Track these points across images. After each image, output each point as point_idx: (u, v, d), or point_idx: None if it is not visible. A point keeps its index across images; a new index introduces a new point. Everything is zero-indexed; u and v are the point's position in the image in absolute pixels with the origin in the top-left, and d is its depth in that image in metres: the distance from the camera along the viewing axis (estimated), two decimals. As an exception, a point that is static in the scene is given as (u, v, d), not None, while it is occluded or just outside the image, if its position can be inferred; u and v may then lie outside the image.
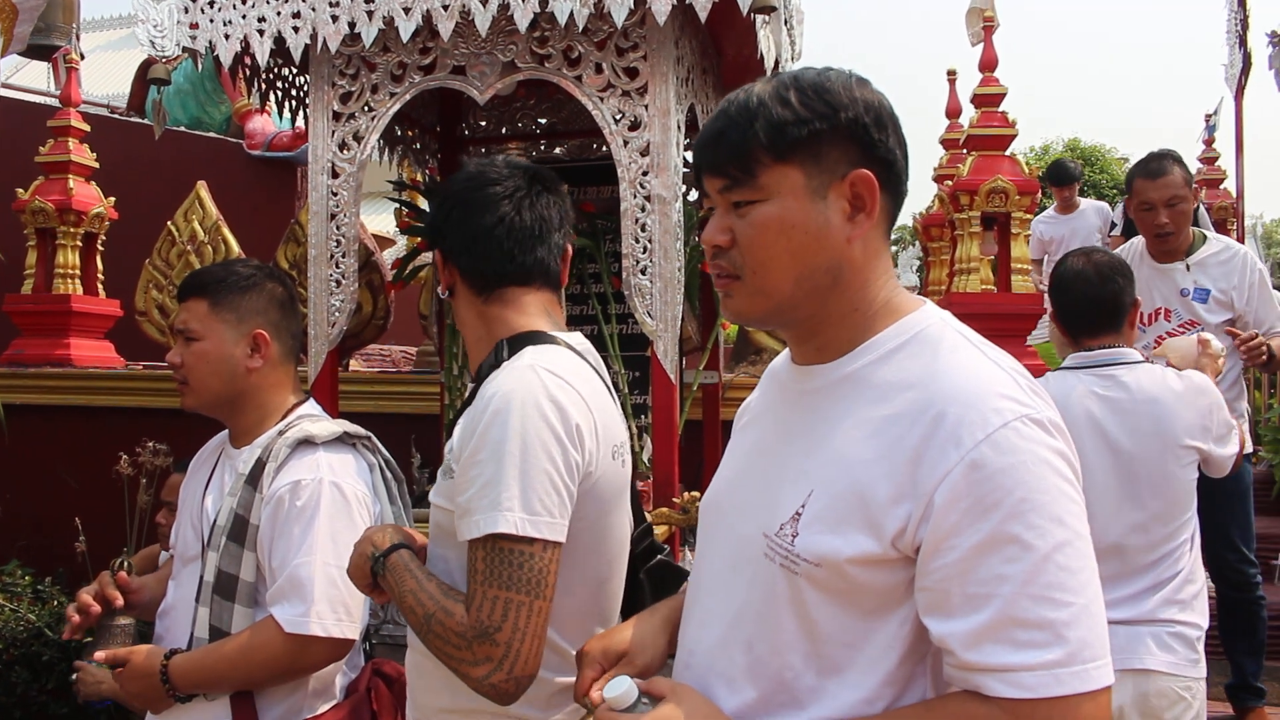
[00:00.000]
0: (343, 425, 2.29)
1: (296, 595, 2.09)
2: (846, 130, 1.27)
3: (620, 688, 1.28)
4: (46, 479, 4.73)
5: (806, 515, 1.24)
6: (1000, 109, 4.44)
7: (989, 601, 1.12)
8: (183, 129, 6.46)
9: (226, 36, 3.01)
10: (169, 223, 4.85)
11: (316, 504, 2.13)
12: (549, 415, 1.65)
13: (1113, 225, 7.37)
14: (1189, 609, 2.78)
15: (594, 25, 2.95)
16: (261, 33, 2.99)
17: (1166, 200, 3.84)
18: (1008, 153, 4.40)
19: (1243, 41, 8.13)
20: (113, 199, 5.12)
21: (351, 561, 1.77)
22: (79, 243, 5.01)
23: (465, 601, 1.61)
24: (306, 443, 2.21)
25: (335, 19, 2.94)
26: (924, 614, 1.18)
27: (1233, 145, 8.31)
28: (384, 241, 6.85)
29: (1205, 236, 4.11)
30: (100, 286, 5.17)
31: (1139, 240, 4.10)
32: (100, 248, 5.17)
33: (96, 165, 5.09)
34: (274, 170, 6.12)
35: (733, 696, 1.29)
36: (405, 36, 2.86)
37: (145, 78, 6.79)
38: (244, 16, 3.01)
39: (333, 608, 2.09)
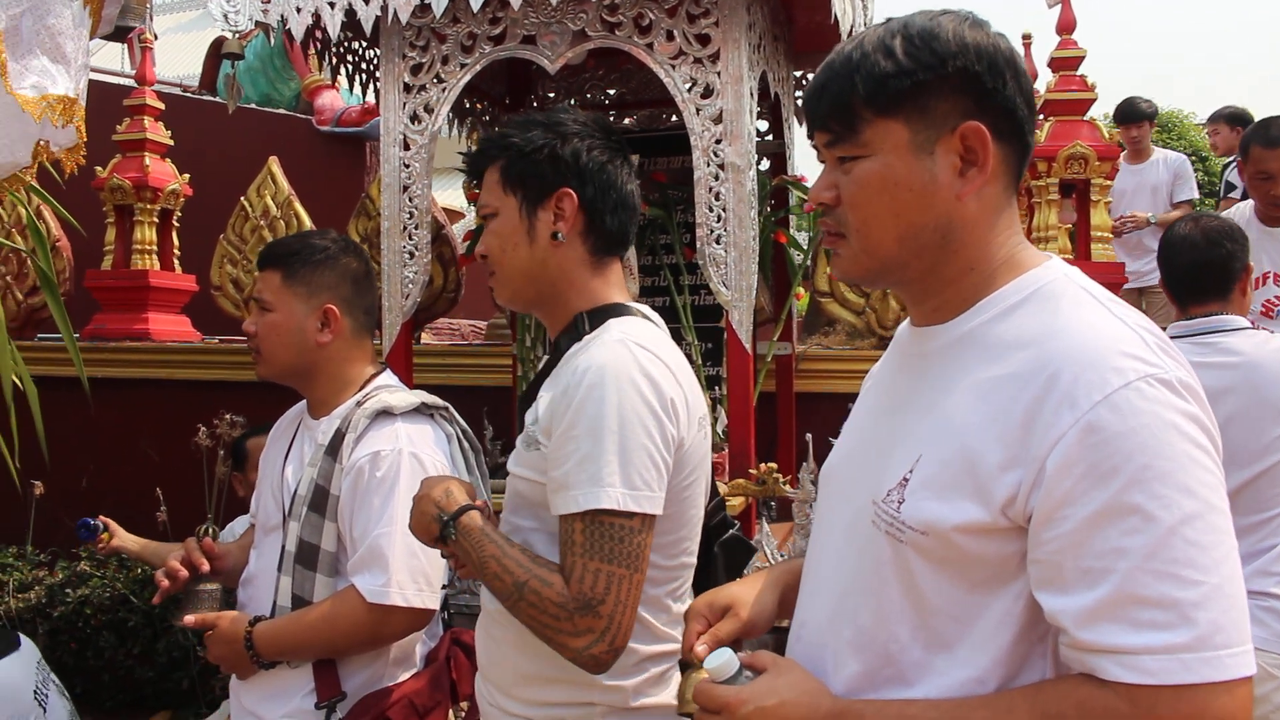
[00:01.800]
0: (420, 396, 2.30)
1: (377, 565, 2.11)
2: (956, 80, 1.20)
3: (721, 658, 1.26)
4: (127, 451, 4.83)
5: (914, 481, 1.19)
6: (1079, 72, 4.31)
7: (1106, 576, 1.04)
8: (253, 106, 6.52)
9: (298, 10, 3.02)
10: (242, 198, 4.91)
11: (396, 474, 2.15)
12: (644, 389, 1.65)
13: (1229, 187, 6.91)
14: None
15: (665, -8, 2.91)
16: (332, 5, 2.99)
17: None
18: (1086, 117, 4.28)
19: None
20: (187, 176, 5.18)
21: (414, 517, 1.74)
22: (155, 219, 5.08)
23: (561, 572, 1.62)
24: (385, 414, 2.22)
25: (406, -11, 2.94)
26: (1036, 589, 1.11)
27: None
28: (453, 215, 6.88)
29: None
30: (176, 262, 5.24)
31: (1247, 203, 3.99)
32: (176, 224, 5.24)
33: (171, 143, 5.15)
34: (343, 145, 6.15)
35: (839, 670, 1.26)
36: (475, 6, 2.85)
37: (217, 55, 6.89)
38: (316, -10, 3.02)
39: (413, 578, 2.11)
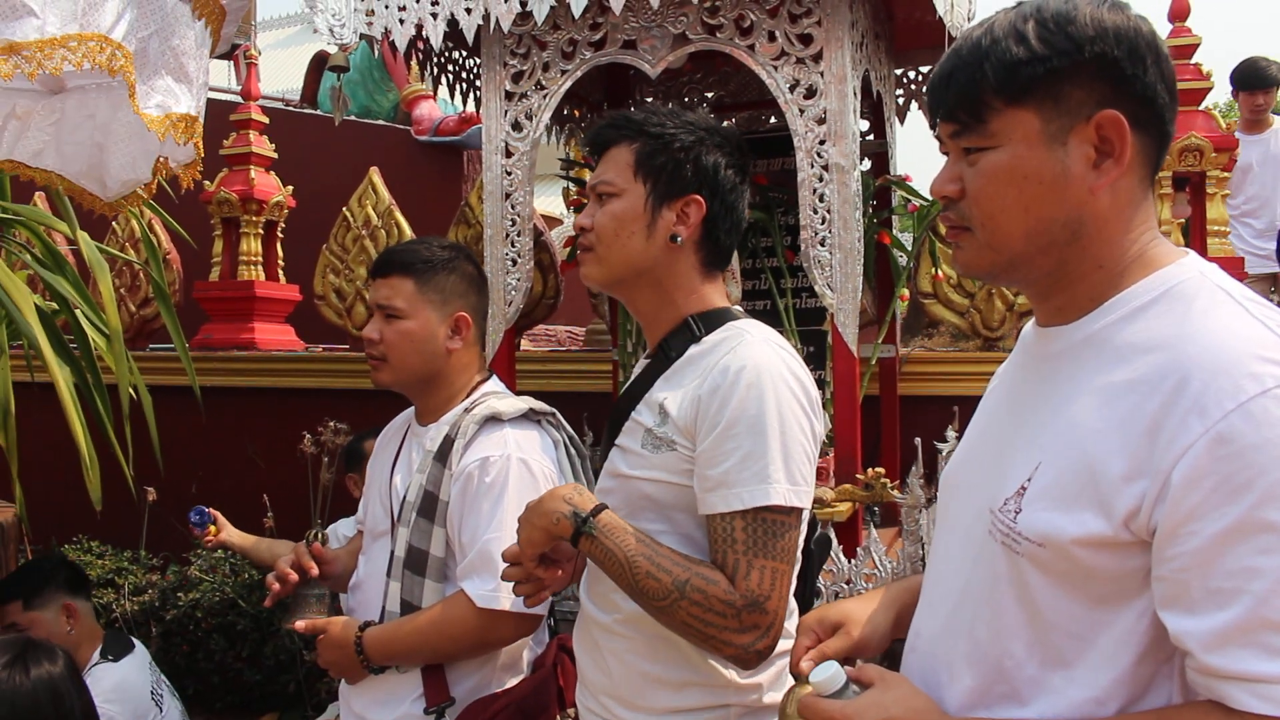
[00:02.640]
0: (528, 402, 2.30)
1: (487, 570, 2.10)
2: (1093, 66, 1.13)
3: (827, 672, 1.23)
4: (234, 457, 4.94)
5: (1032, 490, 1.14)
6: (1193, 60, 4.17)
7: (1237, 598, 0.98)
8: (353, 117, 6.65)
9: (401, 21, 3.05)
10: (344, 208, 4.99)
11: (505, 480, 2.15)
12: (794, 388, 1.68)
13: None
14: None
15: (767, -9, 2.88)
16: (435, 16, 3.02)
17: None
18: (1201, 107, 4.13)
19: None
20: (290, 188, 5.29)
21: (535, 517, 1.70)
22: (260, 230, 5.20)
23: (721, 570, 1.62)
24: (494, 419, 2.22)
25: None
26: (1161, 608, 1.05)
27: None
28: (551, 221, 6.91)
29: None
30: (280, 272, 5.36)
31: None
32: (280, 235, 5.35)
33: (275, 156, 5.27)
34: (441, 155, 6.23)
35: (953, 684, 1.21)
36: (577, 12, 2.85)
37: (319, 69, 7.04)
38: (418, 1, 3.04)
39: None
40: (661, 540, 1.70)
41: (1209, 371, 1.03)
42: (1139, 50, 1.14)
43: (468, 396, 2.33)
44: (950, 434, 3.57)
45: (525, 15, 2.99)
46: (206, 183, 5.10)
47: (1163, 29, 4.18)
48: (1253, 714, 0.97)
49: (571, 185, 4.72)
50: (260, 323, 5.12)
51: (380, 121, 6.65)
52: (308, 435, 4.29)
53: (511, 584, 2.06)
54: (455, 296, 2.33)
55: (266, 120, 5.30)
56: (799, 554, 1.70)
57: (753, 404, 1.63)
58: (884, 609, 1.44)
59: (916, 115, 4.05)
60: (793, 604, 1.77)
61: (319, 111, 6.85)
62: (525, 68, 3.13)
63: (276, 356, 4.99)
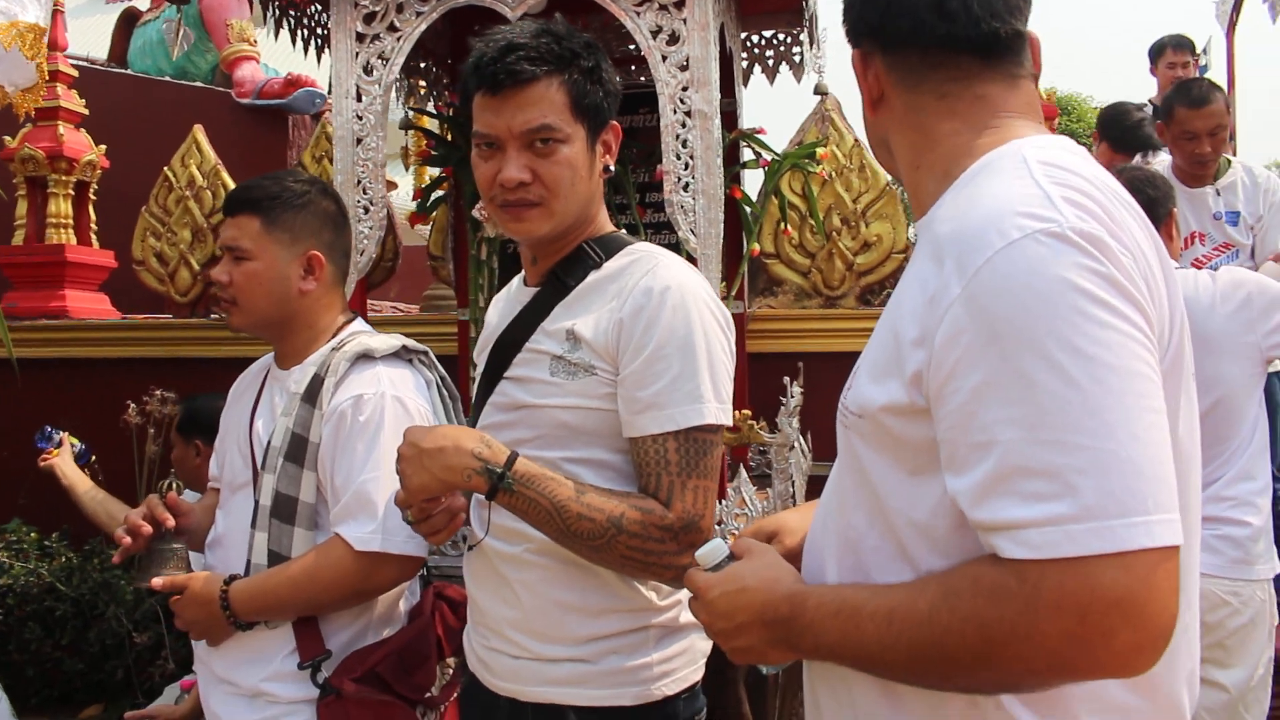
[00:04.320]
0: (400, 339, 2.21)
1: (364, 513, 2.01)
2: None
3: (710, 546, 1.28)
4: (46, 433, 4.60)
5: (858, 368, 1.21)
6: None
7: (992, 449, 0.98)
8: (168, 79, 6.28)
9: (244, -48, 2.88)
10: (165, 168, 4.72)
11: (380, 418, 2.05)
12: (714, 309, 1.69)
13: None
14: (1241, 506, 2.75)
15: (630, -64, 2.85)
16: (282, -53, 2.86)
17: (1211, 129, 3.82)
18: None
19: (1233, -22, 8.07)
20: (103, 147, 4.96)
21: (440, 468, 1.60)
22: (71, 192, 4.85)
23: (654, 494, 1.61)
24: (366, 357, 2.13)
25: (362, -70, 2.82)
26: (944, 472, 1.05)
27: (1224, 84, 8.26)
28: (389, 185, 6.72)
29: (1230, 161, 4.08)
30: (93, 237, 5.01)
31: (1163, 163, 4.06)
32: (92, 197, 5.01)
33: (86, 112, 4.92)
34: (264, 118, 5.96)
35: (827, 568, 1.25)
36: (439, -54, 2.75)
37: (127, 27, 6.63)
38: (263, -70, 2.88)
39: (402, 525, 2.00)
40: (581, 468, 1.67)
41: (969, 233, 1.06)
42: None
43: (334, 336, 2.22)
44: (795, 389, 3.63)
45: (378, -49, 2.87)
46: (7, 138, 4.72)
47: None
48: (1012, 559, 0.97)
49: (410, 144, 4.60)
50: (72, 290, 4.78)
51: (199, 84, 6.30)
52: (131, 405, 4.05)
53: (391, 525, 2.00)
54: (307, 234, 2.20)
55: (76, 73, 4.94)
56: (721, 467, 1.74)
57: (680, 324, 1.62)
58: (809, 512, 1.46)
59: (759, 80, 4.11)
60: None
61: (130, 71, 6.44)
62: (378, 8, 3.00)
63: (92, 324, 4.67)
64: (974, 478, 1.00)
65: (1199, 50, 8.60)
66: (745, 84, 4.09)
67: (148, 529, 2.16)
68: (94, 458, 3.44)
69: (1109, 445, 0.95)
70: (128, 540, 2.15)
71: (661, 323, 1.62)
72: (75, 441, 3.50)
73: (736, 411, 2.74)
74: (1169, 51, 5.81)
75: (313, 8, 3.52)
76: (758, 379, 3.76)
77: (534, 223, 1.71)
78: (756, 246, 3.66)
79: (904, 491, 1.13)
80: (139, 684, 3.97)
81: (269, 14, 3.33)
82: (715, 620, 1.24)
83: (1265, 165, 6.35)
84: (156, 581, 2.12)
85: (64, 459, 3.33)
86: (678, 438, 1.60)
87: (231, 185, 4.63)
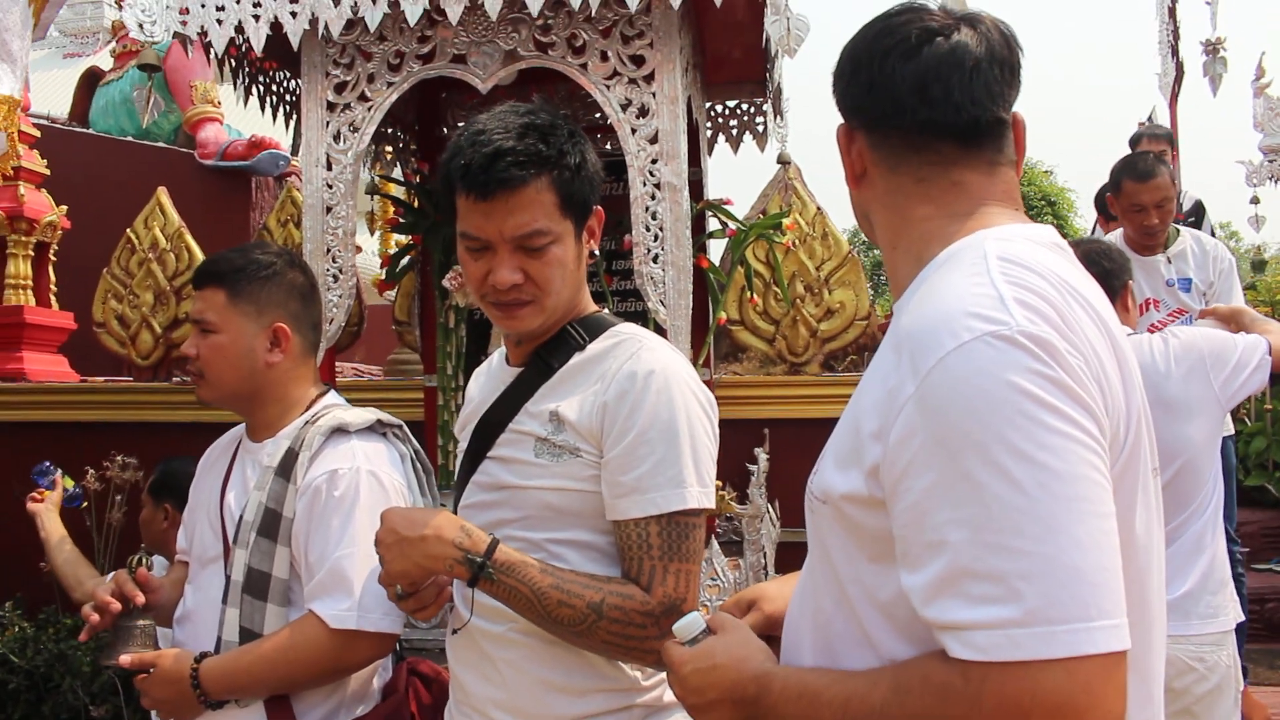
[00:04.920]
0: (375, 413, 2.20)
1: (340, 589, 1.99)
2: None
3: (686, 620, 1.29)
4: (2, 497, 4.52)
5: (825, 453, 1.22)
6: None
7: (943, 549, 0.99)
8: (130, 139, 6.26)
9: (219, 22, 2.90)
10: (128, 230, 4.69)
11: (355, 494, 2.04)
12: (698, 393, 1.70)
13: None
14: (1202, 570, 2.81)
15: (601, 13, 2.91)
16: (257, 18, 2.89)
17: (1157, 202, 3.94)
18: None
19: (1175, 51, 8.35)
20: (64, 208, 4.93)
21: (422, 556, 1.62)
22: (31, 252, 4.81)
23: (632, 578, 1.62)
24: (340, 431, 2.12)
25: (337, 3, 2.86)
26: (899, 567, 1.06)
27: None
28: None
29: (1179, 230, 4.20)
30: (53, 299, 4.96)
31: (1117, 233, 4.17)
32: (52, 258, 4.97)
33: (48, 172, 4.90)
34: (227, 180, 5.95)
35: (802, 646, 1.26)
36: (412, 20, 2.79)
37: (89, 86, 6.61)
38: (238, 1, 2.91)
39: (378, 601, 1.99)
40: (566, 549, 1.67)
41: (923, 331, 1.07)
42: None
43: (308, 409, 2.21)
44: (761, 455, 3.66)
45: (352, 23, 2.91)
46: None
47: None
48: (959, 660, 0.98)
49: (375, 208, 4.61)
50: (30, 351, 4.72)
51: (160, 144, 6.29)
52: (91, 471, 3.99)
53: (367, 602, 1.98)
54: (273, 306, 2.20)
55: (38, 133, 4.92)
56: (703, 551, 1.74)
57: (664, 409, 1.63)
58: (789, 582, 1.47)
59: (722, 148, 4.18)
60: None
61: (91, 130, 6.41)
62: (349, 78, 3.03)
63: (51, 388, 4.61)
64: (925, 576, 1.01)
65: (1145, 119, 8.87)
66: (710, 153, 4.16)
67: (116, 606, 2.12)
68: (85, 504, 3.37)
69: (1051, 550, 0.96)
70: (95, 618, 2.11)
71: (645, 407, 1.63)
72: (70, 484, 3.45)
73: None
74: (1145, 140, 6.01)
75: (281, 74, 3.55)
76: (724, 445, 3.72)
77: (526, 320, 1.72)
78: (724, 315, 3.70)
79: (866, 577, 1.14)
80: (94, 759, 3.87)
81: (238, 81, 3.34)
82: (687, 695, 1.27)
83: (1216, 225, 6.51)
84: (125, 659, 2.08)
85: (49, 506, 3.28)
86: (660, 522, 1.61)
87: (195, 248, 4.62)
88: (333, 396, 2.28)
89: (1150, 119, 8.92)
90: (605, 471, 1.65)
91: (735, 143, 4.18)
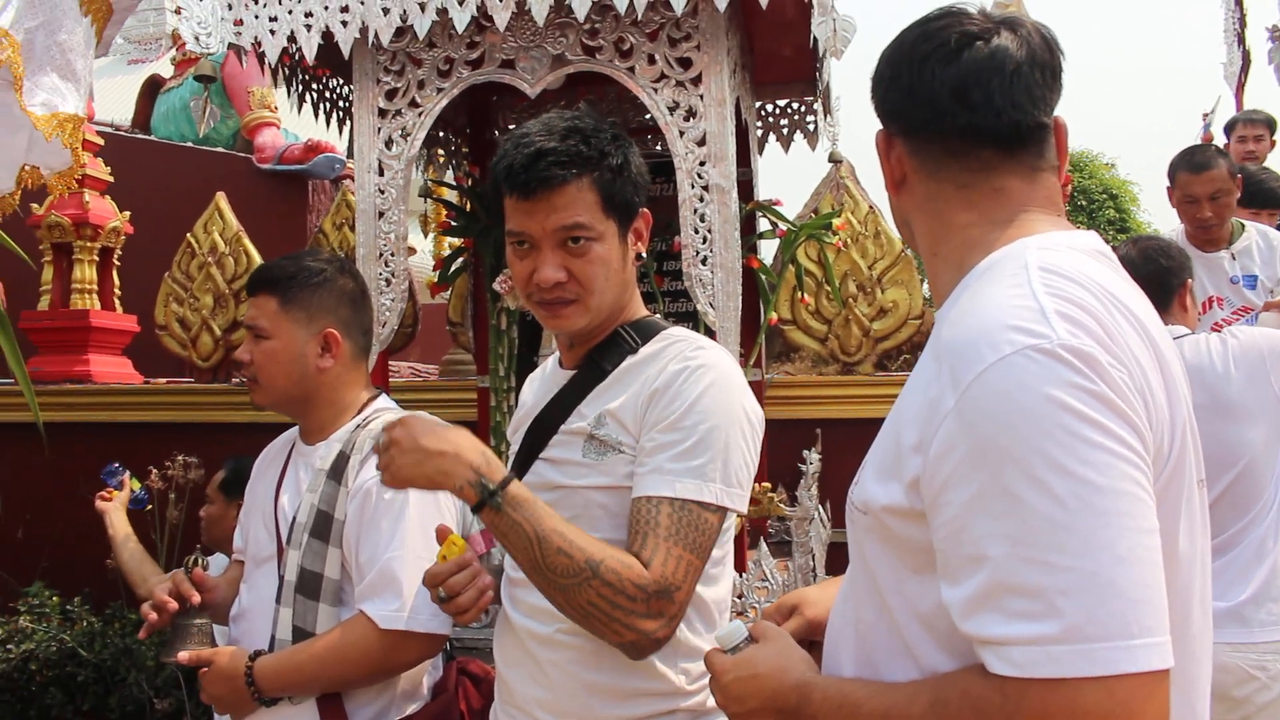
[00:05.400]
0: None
1: (390, 590, 2.03)
2: None
3: (728, 628, 1.32)
4: (69, 496, 4.63)
5: (866, 463, 1.22)
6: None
7: (983, 564, 0.99)
8: (190, 144, 6.39)
9: (272, 32, 2.95)
10: (189, 235, 4.79)
11: (405, 496, 2.08)
12: (746, 400, 1.71)
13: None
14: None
15: (648, 16, 2.91)
16: (309, 28, 2.94)
17: (1210, 194, 3.86)
18: None
19: (1241, 39, 8.14)
20: (128, 214, 5.04)
21: (431, 473, 1.59)
22: (96, 257, 4.93)
23: (636, 552, 1.59)
24: (390, 435, 2.15)
25: (386, 12, 2.89)
26: (940, 580, 1.06)
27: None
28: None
29: (1244, 225, 4.12)
30: (117, 302, 5.08)
31: (1178, 230, 4.10)
32: (116, 263, 5.09)
33: (111, 179, 5.01)
34: (285, 183, 6.05)
35: (842, 655, 1.27)
36: (460, 27, 2.82)
37: (151, 94, 6.75)
38: (290, 11, 2.96)
39: (427, 602, 2.02)
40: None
41: (963, 343, 1.07)
42: None
43: (359, 413, 2.25)
44: (813, 456, 3.65)
45: (401, 30, 2.94)
46: (35, 206, 4.80)
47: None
48: (997, 675, 0.98)
49: (429, 210, 4.66)
50: (95, 354, 4.83)
51: (219, 149, 6.41)
52: (154, 470, 4.08)
53: (417, 603, 2.02)
54: (324, 313, 2.25)
55: (101, 142, 5.03)
56: (710, 551, 1.66)
57: (709, 402, 1.64)
58: (832, 586, 1.48)
59: (773, 147, 4.17)
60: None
61: (153, 137, 6.55)
62: (400, 85, 3.07)
63: (116, 389, 4.72)
64: (964, 590, 1.01)
65: (1209, 110, 8.67)
66: (760, 152, 4.15)
67: (173, 605, 2.19)
68: (150, 507, 3.48)
69: (1091, 566, 0.95)
70: (153, 616, 2.18)
71: (690, 396, 1.63)
72: (136, 487, 3.56)
73: (756, 485, 2.76)
74: (1240, 125, 5.91)
75: (335, 81, 3.60)
76: (775, 446, 3.77)
77: (571, 319, 1.75)
78: (774, 315, 3.70)
79: (907, 588, 1.14)
80: (158, 751, 3.97)
81: (292, 89, 3.40)
82: (729, 704, 1.28)
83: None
84: (183, 656, 2.14)
85: (117, 505, 3.39)
86: (672, 504, 1.59)
87: (253, 252, 4.71)
88: (384, 400, 2.32)
89: (1214, 110, 8.74)
90: (637, 454, 1.66)
91: (786, 142, 4.17)
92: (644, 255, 1.82)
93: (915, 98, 1.25)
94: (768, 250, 4.30)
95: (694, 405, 1.63)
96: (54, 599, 4.25)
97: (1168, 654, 0.96)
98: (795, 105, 4.15)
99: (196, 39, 2.85)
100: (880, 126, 1.33)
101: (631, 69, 2.96)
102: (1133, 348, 1.07)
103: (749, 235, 3.78)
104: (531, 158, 1.66)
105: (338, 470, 2.13)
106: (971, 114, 1.21)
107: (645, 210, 1.80)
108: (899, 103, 1.28)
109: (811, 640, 1.44)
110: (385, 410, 2.25)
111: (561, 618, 1.65)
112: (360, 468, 2.12)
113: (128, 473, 3.57)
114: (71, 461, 4.63)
